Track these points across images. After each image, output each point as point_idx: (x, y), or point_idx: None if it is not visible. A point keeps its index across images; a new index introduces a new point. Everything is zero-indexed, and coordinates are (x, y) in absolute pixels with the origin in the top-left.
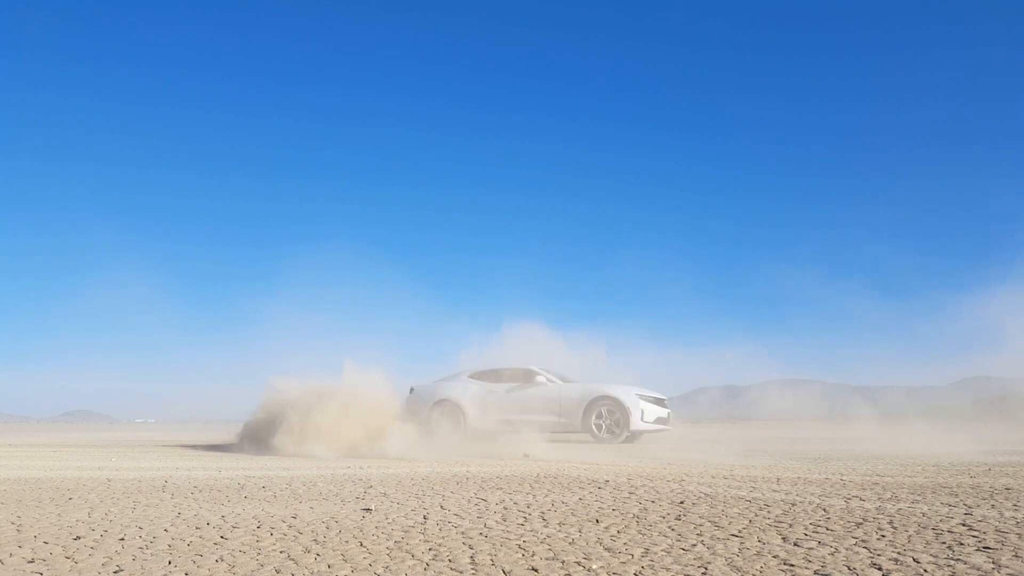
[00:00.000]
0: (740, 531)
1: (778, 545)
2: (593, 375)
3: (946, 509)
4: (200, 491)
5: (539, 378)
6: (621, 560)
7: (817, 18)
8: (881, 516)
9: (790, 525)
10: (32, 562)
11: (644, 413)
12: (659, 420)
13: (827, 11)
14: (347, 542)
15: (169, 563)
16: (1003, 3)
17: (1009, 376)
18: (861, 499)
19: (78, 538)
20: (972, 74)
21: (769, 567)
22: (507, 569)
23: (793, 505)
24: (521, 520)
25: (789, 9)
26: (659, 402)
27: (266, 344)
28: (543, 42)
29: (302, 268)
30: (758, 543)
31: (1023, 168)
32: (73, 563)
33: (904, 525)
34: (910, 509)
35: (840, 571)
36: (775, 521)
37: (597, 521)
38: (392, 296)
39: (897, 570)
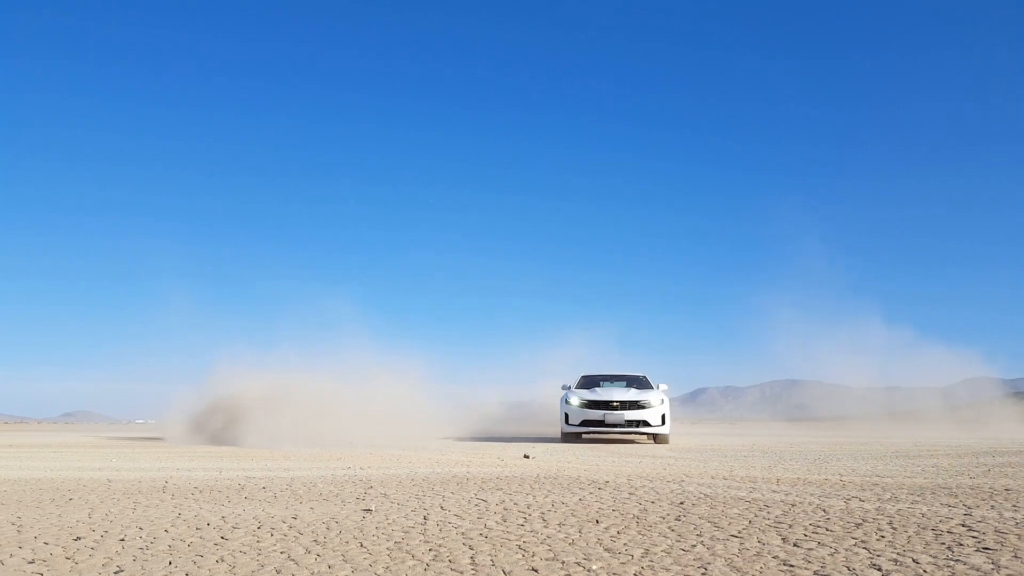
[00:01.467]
0: (740, 532)
1: (778, 546)
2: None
3: (945, 510)
4: (200, 492)
5: (649, 382)
6: (621, 561)
7: (818, 18)
8: (881, 517)
9: (790, 526)
10: (33, 563)
11: (568, 417)
12: (588, 423)
13: (827, 11)
14: (347, 543)
15: (169, 563)
16: (1003, 3)
17: (1010, 377)
18: (861, 500)
19: (78, 539)
20: (972, 74)
21: (769, 568)
22: (507, 570)
23: (793, 506)
24: (521, 521)
25: (789, 9)
26: (597, 404)
27: (265, 344)
28: (543, 42)
29: (300, 268)
30: (758, 544)
31: (1022, 168)
32: (73, 564)
33: (904, 526)
34: (910, 510)
35: (840, 572)
36: (775, 522)
37: (597, 522)
38: (394, 297)
39: (897, 571)
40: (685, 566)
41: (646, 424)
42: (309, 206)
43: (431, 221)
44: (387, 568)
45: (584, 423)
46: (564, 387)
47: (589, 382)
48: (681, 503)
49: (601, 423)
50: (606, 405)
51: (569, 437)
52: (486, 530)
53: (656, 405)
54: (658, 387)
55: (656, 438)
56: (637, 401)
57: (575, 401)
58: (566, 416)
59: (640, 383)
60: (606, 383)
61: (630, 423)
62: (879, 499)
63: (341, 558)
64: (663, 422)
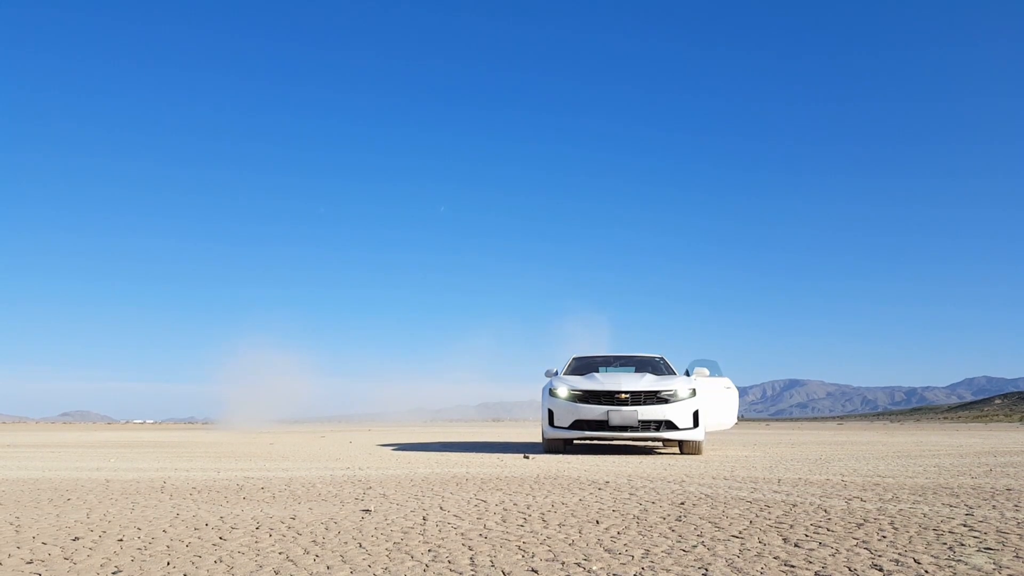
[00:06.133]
0: (741, 532)
1: (779, 546)
2: None
3: (947, 510)
4: (199, 492)
5: (669, 366)
6: (621, 561)
7: (818, 18)
8: (882, 517)
9: (791, 526)
10: (31, 563)
11: (554, 415)
12: (584, 424)
13: (827, 11)
14: (346, 543)
15: (168, 564)
16: (1003, 4)
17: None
18: (862, 500)
19: (76, 539)
20: (972, 74)
21: (770, 568)
22: (507, 570)
23: (794, 506)
24: (521, 521)
25: (790, 9)
26: (597, 396)
27: (261, 343)
28: (544, 42)
29: (298, 267)
30: (759, 544)
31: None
32: (72, 564)
33: (905, 526)
34: (911, 510)
35: (841, 572)
36: (776, 522)
37: (597, 522)
38: (397, 296)
39: (898, 571)
40: (686, 567)
41: (671, 426)
42: (308, 205)
43: (432, 221)
44: (386, 569)
45: (578, 424)
46: (548, 373)
47: (584, 366)
48: (682, 503)
49: (603, 425)
50: (611, 398)
51: (555, 444)
52: (485, 531)
53: (684, 398)
54: (683, 373)
55: (684, 446)
56: (657, 392)
57: (564, 392)
58: (550, 414)
59: (656, 367)
60: (608, 368)
61: (647, 425)
62: (880, 499)
63: (340, 559)
64: (695, 423)
